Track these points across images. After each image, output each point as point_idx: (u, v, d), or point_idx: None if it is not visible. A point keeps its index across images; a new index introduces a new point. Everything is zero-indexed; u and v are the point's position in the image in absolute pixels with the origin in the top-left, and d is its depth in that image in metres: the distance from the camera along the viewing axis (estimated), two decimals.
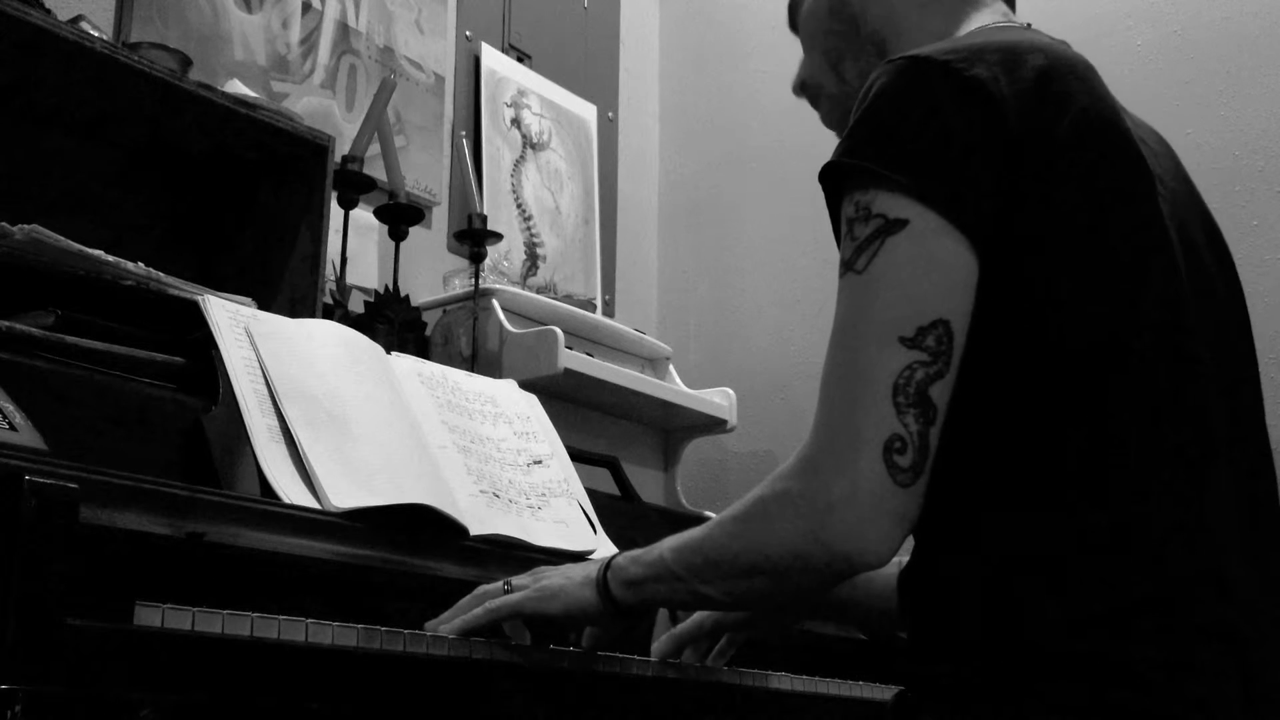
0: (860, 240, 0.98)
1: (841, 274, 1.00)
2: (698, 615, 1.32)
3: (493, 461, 1.52)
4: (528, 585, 1.16)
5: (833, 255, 1.04)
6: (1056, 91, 1.02)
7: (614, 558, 1.15)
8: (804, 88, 1.31)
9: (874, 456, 0.94)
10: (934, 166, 0.97)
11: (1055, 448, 0.99)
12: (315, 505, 1.24)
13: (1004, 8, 1.22)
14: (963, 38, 1.10)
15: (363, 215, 2.12)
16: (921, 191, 0.97)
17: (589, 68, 2.92)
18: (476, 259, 2.18)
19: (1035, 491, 0.99)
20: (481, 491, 1.45)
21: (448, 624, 1.14)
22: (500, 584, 1.17)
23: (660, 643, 1.31)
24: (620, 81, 3.01)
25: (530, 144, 2.68)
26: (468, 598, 1.17)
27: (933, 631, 1.04)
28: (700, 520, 2.13)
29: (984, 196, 0.98)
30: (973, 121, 0.98)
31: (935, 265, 0.97)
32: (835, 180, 1.03)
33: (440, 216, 2.49)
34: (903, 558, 1.32)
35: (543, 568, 1.21)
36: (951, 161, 0.97)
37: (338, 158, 1.88)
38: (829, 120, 1.30)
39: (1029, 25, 1.18)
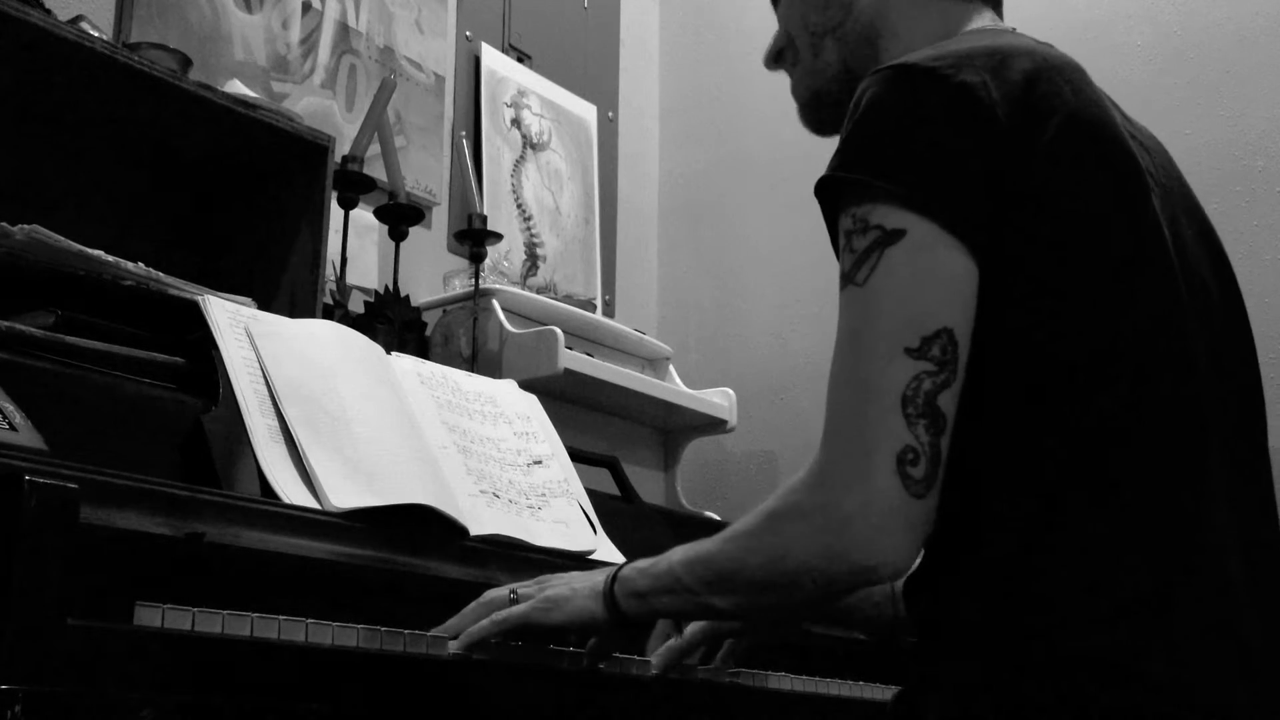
0: (859, 252, 0.98)
1: (842, 287, 1.00)
2: (694, 626, 1.31)
3: (493, 462, 1.52)
4: (533, 593, 1.16)
5: (833, 255, 1.04)
6: (1044, 94, 1.02)
7: (620, 569, 1.14)
8: (778, 59, 1.29)
9: (887, 469, 0.94)
10: (928, 176, 0.97)
11: (1054, 450, 0.99)
12: (315, 505, 1.24)
13: (993, 14, 1.22)
14: (948, 43, 1.10)
15: (363, 215, 2.12)
16: (917, 201, 0.97)
17: (589, 68, 2.92)
18: (476, 259, 2.18)
19: (1035, 493, 0.99)
20: (481, 492, 1.45)
21: (458, 641, 1.14)
22: (507, 592, 1.17)
23: (659, 655, 1.30)
24: (620, 81, 3.01)
25: (530, 144, 2.68)
26: (474, 605, 1.17)
27: (937, 631, 1.04)
28: (700, 521, 2.13)
29: (978, 203, 0.98)
30: (964, 128, 0.98)
31: (935, 274, 0.97)
32: (831, 194, 1.03)
33: (440, 216, 2.49)
34: None
35: (548, 575, 1.20)
36: (945, 170, 0.98)
37: (338, 158, 1.88)
38: (796, 91, 1.28)
39: (1014, 29, 1.18)
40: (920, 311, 0.96)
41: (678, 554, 1.10)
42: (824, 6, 1.24)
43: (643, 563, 1.13)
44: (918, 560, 1.01)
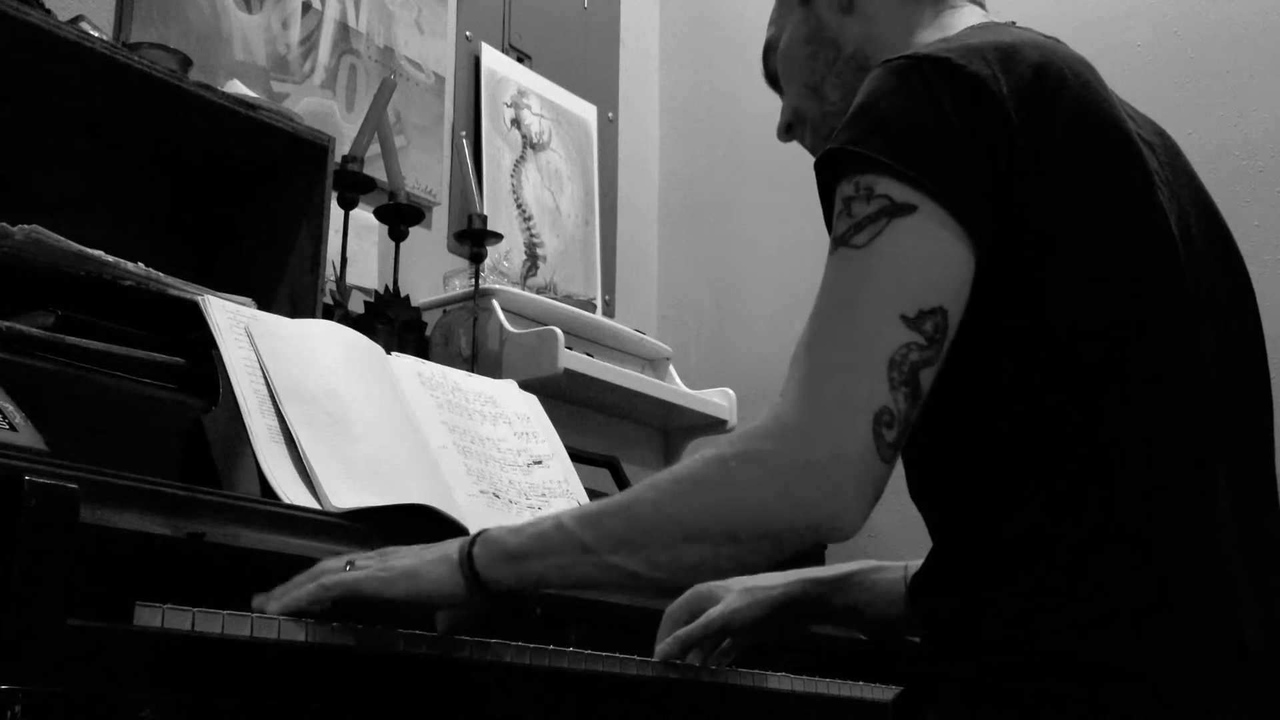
0: (859, 218, 0.97)
1: (833, 250, 0.98)
2: (704, 618, 1.30)
3: (493, 462, 1.52)
4: (373, 565, 1.04)
5: None
6: (1051, 87, 1.02)
7: (482, 531, 1.04)
8: (789, 129, 1.30)
9: (864, 425, 0.92)
10: (938, 162, 0.97)
11: (1059, 449, 0.99)
12: (315, 505, 1.24)
13: (980, 10, 1.21)
14: (954, 36, 1.10)
15: (363, 215, 2.12)
16: (927, 184, 0.96)
17: (589, 68, 2.92)
18: (476, 259, 2.18)
19: (1040, 493, 0.98)
20: (481, 492, 1.45)
21: (276, 601, 1.01)
22: (343, 563, 1.05)
23: (665, 644, 1.29)
24: (620, 81, 3.01)
25: (530, 144, 2.68)
26: (304, 574, 1.05)
27: (941, 632, 1.03)
28: None
29: (985, 195, 0.97)
30: (974, 118, 0.98)
31: (940, 254, 0.96)
32: (833, 165, 1.01)
33: (440, 216, 2.49)
34: (913, 562, 1.33)
35: (392, 547, 1.08)
36: (955, 158, 0.97)
37: (338, 158, 1.88)
38: (814, 149, 1.27)
39: (1014, 23, 1.18)
40: (921, 284, 0.95)
41: (567, 512, 1.01)
42: (813, 56, 1.24)
43: (515, 525, 1.03)
44: (863, 525, 0.96)
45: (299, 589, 1.02)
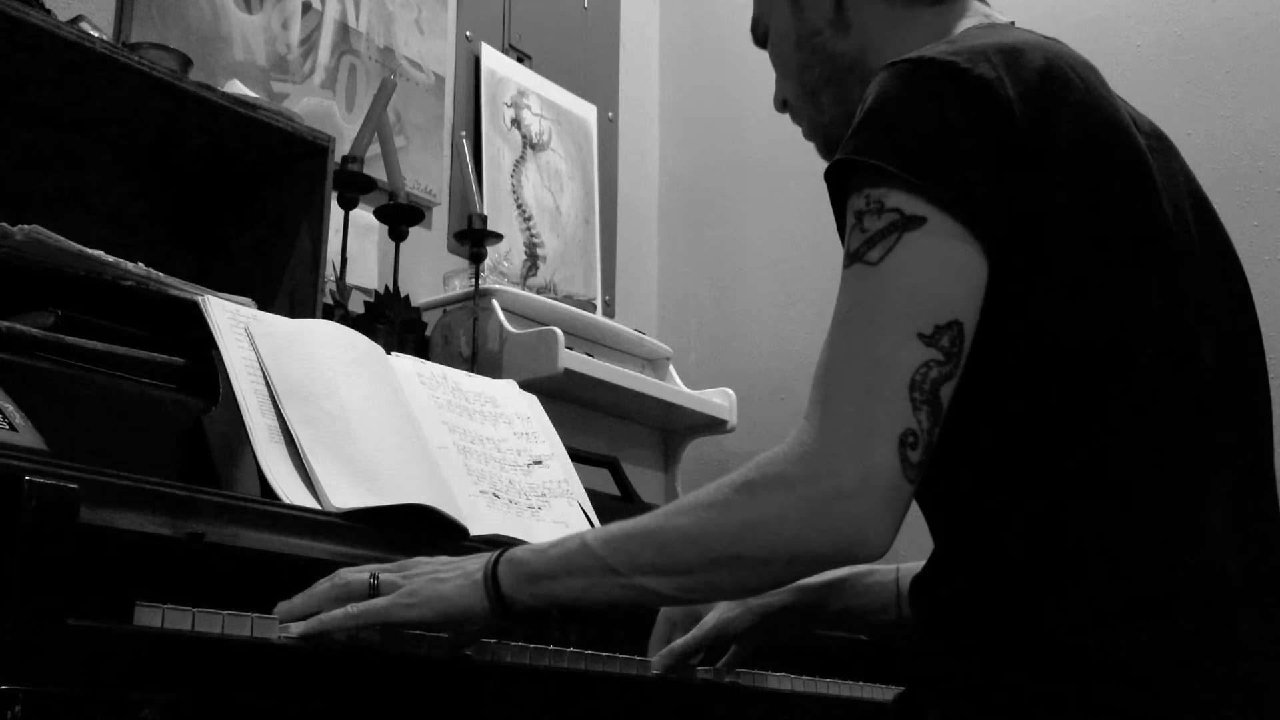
0: (872, 233, 0.97)
1: (848, 265, 0.98)
2: (698, 630, 1.29)
3: (493, 462, 1.52)
4: (396, 581, 1.05)
5: (834, 255, 1.03)
6: (1056, 90, 1.02)
7: (506, 551, 1.05)
8: (786, 105, 1.30)
9: (890, 448, 0.92)
10: (946, 170, 0.96)
11: (1060, 449, 0.99)
12: (315, 505, 1.24)
13: (984, 8, 1.21)
14: (958, 37, 1.10)
15: (363, 215, 2.12)
16: (936, 194, 0.95)
17: (589, 68, 2.92)
18: (476, 259, 2.18)
19: (1040, 495, 0.99)
20: (481, 492, 1.45)
21: (301, 622, 1.01)
22: (366, 576, 1.05)
23: (659, 657, 1.28)
24: (620, 81, 3.02)
25: (530, 144, 2.68)
26: (326, 586, 1.04)
27: (941, 632, 1.03)
28: None
29: (993, 201, 0.97)
30: (980, 123, 0.98)
31: (951, 265, 0.96)
32: (843, 176, 1.01)
33: (440, 216, 2.49)
34: (904, 565, 1.33)
35: (415, 560, 1.09)
36: (962, 165, 0.97)
37: (338, 158, 1.88)
38: (811, 137, 1.29)
39: (1013, 23, 1.18)
40: (935, 299, 0.95)
41: (590, 533, 1.03)
42: (807, 65, 1.24)
43: (537, 545, 1.05)
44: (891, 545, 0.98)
45: (329, 615, 1.01)
